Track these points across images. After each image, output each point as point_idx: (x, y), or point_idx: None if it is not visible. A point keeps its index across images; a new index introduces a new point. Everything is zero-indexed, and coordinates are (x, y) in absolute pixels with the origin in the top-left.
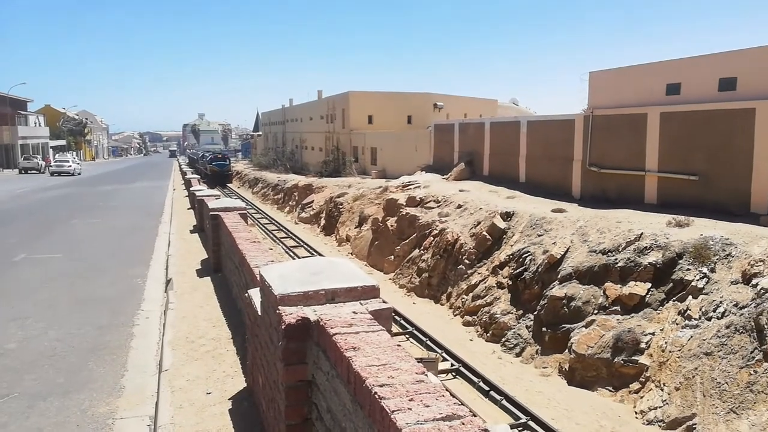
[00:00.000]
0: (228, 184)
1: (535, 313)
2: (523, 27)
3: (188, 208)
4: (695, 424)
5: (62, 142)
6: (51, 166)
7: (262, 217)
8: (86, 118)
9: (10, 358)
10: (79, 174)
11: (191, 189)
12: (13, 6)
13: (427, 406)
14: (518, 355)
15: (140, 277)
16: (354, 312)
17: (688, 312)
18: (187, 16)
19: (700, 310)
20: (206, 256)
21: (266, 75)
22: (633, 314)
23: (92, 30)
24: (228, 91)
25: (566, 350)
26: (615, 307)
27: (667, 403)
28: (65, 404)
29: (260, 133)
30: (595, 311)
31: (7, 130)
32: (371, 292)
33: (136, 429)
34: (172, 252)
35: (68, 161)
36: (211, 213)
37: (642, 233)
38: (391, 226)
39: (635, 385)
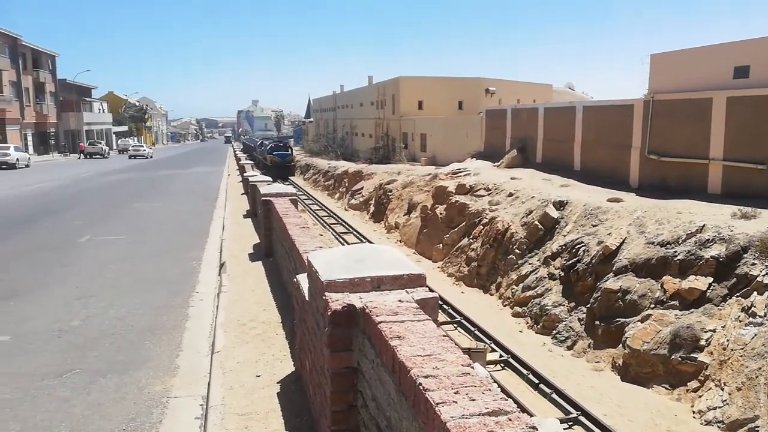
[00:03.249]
0: (290, 177)
1: (588, 305)
2: (581, 8)
3: (242, 193)
4: (758, 427)
5: (124, 128)
6: (129, 150)
7: (312, 203)
8: (147, 105)
9: (74, 335)
10: (151, 157)
11: (245, 174)
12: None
13: (473, 400)
14: (569, 348)
15: (196, 259)
16: (400, 300)
17: (753, 309)
18: (241, 5)
19: (766, 307)
20: (258, 241)
21: (318, 62)
22: (692, 310)
23: (154, 19)
24: (281, 78)
25: (620, 345)
26: (673, 302)
27: (727, 404)
28: (124, 381)
29: (312, 119)
30: (652, 305)
31: (73, 117)
32: (417, 280)
33: (189, 408)
34: (226, 236)
35: (144, 146)
36: (263, 198)
37: (704, 225)
38: (440, 213)
39: (693, 384)
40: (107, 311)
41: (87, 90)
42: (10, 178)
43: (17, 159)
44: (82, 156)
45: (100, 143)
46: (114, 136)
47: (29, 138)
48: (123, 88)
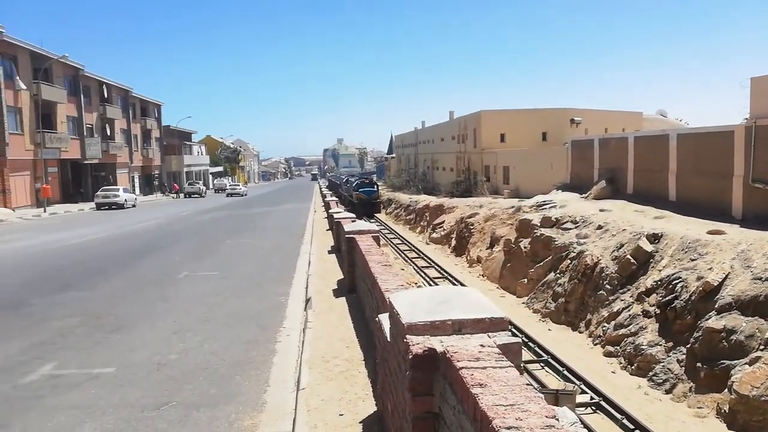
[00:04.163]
0: (376, 214)
1: (688, 346)
2: (673, 31)
3: (327, 230)
4: None
5: (220, 169)
6: (226, 189)
7: (394, 237)
8: (240, 146)
9: (172, 368)
10: (246, 195)
11: (330, 211)
12: (181, 53)
13: None
14: (668, 391)
15: (283, 295)
16: (481, 345)
17: None
18: (325, 50)
19: None
20: (342, 277)
21: (400, 98)
22: None
23: (249, 66)
24: (365, 116)
25: (726, 389)
26: None
27: None
28: (215, 415)
29: (394, 155)
30: (761, 347)
31: (176, 159)
32: (499, 324)
33: None
34: (312, 272)
35: (239, 185)
36: (346, 236)
37: None
38: (525, 247)
39: None
40: (202, 345)
41: (188, 135)
42: (118, 217)
43: (125, 200)
44: (179, 195)
45: (198, 183)
46: (210, 176)
47: (136, 179)
48: (219, 130)
